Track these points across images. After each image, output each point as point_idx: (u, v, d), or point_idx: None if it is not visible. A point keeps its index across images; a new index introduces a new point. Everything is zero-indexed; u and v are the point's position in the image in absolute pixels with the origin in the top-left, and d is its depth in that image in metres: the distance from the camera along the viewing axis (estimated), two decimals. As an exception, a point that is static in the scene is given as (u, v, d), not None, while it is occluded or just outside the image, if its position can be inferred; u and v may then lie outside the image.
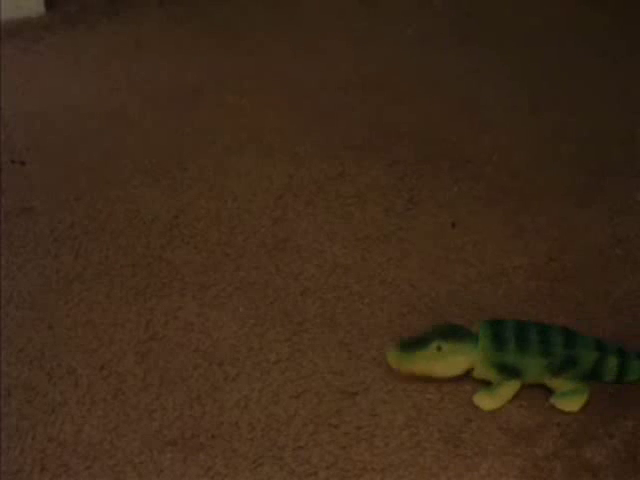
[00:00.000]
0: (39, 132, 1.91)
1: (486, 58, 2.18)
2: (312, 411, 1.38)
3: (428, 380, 1.40)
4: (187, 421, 1.36)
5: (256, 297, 1.55)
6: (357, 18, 2.35)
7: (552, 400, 1.39)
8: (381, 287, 1.52)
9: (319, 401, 1.39)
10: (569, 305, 1.55)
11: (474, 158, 1.88)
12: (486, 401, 1.39)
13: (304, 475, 1.30)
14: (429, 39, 2.26)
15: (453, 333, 1.40)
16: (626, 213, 1.74)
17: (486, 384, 1.40)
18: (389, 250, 1.66)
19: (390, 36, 2.27)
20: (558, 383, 1.39)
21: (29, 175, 1.79)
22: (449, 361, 1.39)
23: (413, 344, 1.39)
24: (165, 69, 2.13)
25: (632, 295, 1.58)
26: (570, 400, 1.39)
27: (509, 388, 1.39)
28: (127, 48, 2.20)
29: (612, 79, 2.13)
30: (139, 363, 1.44)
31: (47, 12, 2.30)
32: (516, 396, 1.40)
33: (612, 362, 1.40)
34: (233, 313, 1.53)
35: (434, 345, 1.38)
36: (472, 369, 1.40)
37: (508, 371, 1.38)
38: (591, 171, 1.84)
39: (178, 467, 1.30)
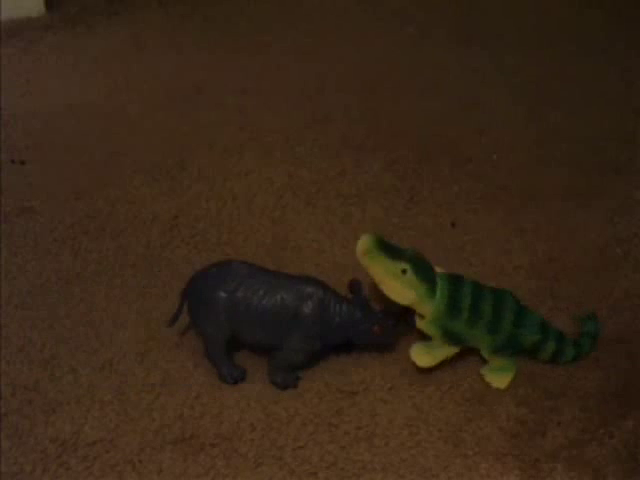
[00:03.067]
0: (39, 132, 1.91)
1: (486, 58, 2.18)
2: (312, 411, 1.38)
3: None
4: (187, 421, 1.36)
5: (256, 297, 1.54)
6: (357, 18, 2.35)
7: (482, 371, 1.43)
8: (381, 287, 1.51)
9: (319, 401, 1.39)
10: (569, 305, 1.55)
11: (474, 158, 1.88)
12: (424, 359, 1.40)
13: (304, 475, 1.30)
14: (429, 38, 2.26)
15: (425, 271, 1.37)
16: (626, 213, 1.74)
17: (424, 337, 1.42)
18: (389, 250, 1.65)
19: (390, 35, 2.27)
20: (494, 357, 1.42)
21: (29, 175, 1.79)
22: (402, 288, 1.37)
23: (389, 249, 1.37)
24: (165, 69, 2.13)
25: (632, 295, 1.58)
26: (500, 377, 1.42)
27: (448, 351, 1.41)
28: (127, 48, 2.20)
29: (611, 78, 2.13)
30: (140, 363, 1.44)
31: (47, 12, 2.30)
32: (516, 396, 1.41)
33: (550, 347, 1.43)
34: (233, 313, 1.53)
35: (402, 265, 1.36)
36: (418, 315, 1.40)
37: (453, 338, 1.40)
38: (591, 171, 1.85)
39: (178, 467, 1.30)
